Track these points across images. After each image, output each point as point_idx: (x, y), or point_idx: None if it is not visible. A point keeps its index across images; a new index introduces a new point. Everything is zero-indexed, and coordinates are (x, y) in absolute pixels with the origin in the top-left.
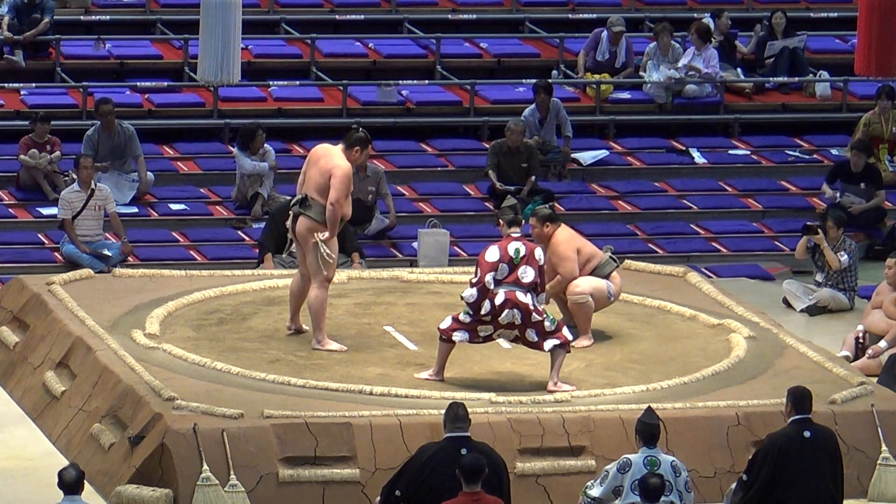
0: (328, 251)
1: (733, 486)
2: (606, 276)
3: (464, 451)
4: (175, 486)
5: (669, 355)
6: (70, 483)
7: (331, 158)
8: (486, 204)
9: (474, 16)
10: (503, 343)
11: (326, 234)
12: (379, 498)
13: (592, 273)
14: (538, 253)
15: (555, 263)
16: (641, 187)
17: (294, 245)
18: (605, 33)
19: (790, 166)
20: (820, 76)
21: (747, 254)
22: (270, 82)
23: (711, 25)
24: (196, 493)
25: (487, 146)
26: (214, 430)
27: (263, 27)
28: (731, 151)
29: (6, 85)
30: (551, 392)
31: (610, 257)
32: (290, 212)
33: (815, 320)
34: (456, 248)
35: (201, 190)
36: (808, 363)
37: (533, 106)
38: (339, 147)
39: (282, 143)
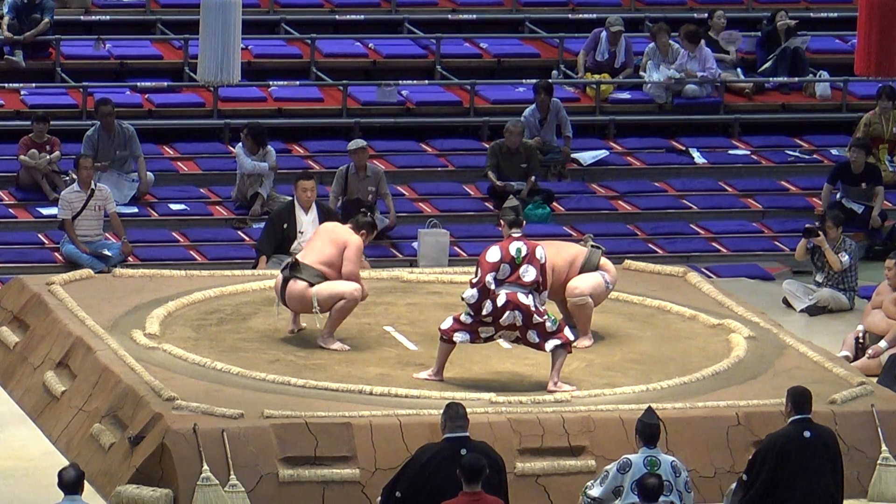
0: (316, 308)
1: (733, 486)
2: (596, 267)
3: (464, 452)
4: (175, 486)
5: (669, 355)
6: (70, 483)
7: (344, 232)
8: (486, 204)
9: (474, 16)
10: (503, 343)
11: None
12: (379, 499)
13: (582, 270)
14: (539, 252)
15: None
16: (641, 187)
17: (280, 306)
18: (604, 33)
19: (790, 166)
20: (820, 76)
21: (747, 254)
22: (270, 82)
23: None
24: (196, 493)
25: (487, 146)
26: (214, 430)
27: (263, 27)
28: (731, 151)
29: (6, 85)
30: (551, 392)
31: (592, 246)
32: (281, 275)
33: (815, 320)
34: (456, 248)
35: (201, 190)
36: (808, 363)
37: (533, 106)
38: (348, 226)
39: (282, 143)
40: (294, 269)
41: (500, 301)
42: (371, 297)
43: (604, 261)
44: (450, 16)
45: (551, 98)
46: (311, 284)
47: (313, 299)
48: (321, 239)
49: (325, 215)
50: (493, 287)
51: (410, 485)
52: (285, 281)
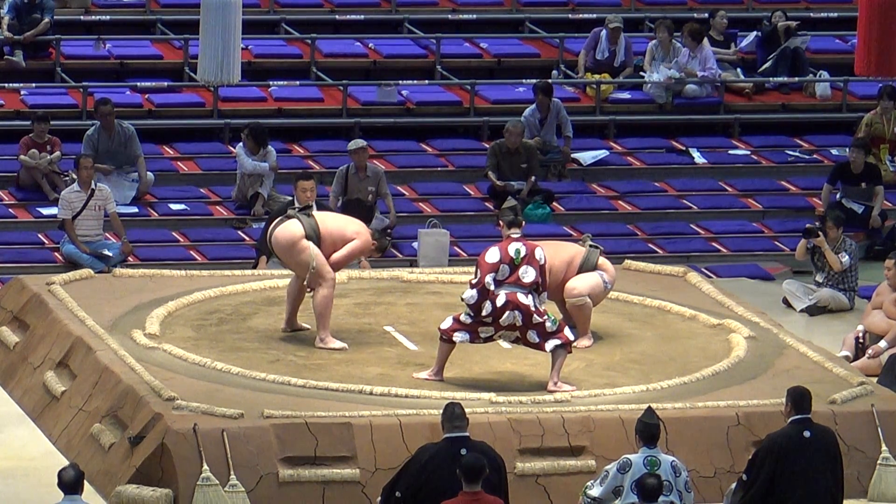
0: (314, 269)
1: (733, 486)
2: (595, 267)
3: (464, 452)
4: (175, 486)
5: (669, 355)
6: (70, 483)
7: (364, 231)
8: (486, 204)
9: (474, 16)
10: (503, 343)
11: (316, 260)
12: (379, 499)
13: (580, 270)
14: (538, 253)
15: None
16: (641, 187)
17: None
18: (603, 32)
19: (790, 166)
20: (820, 76)
21: (747, 254)
22: (270, 82)
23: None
24: (196, 493)
25: (487, 146)
26: (214, 430)
27: (263, 27)
28: (731, 151)
29: (6, 85)
30: (551, 392)
31: (590, 246)
32: (288, 212)
33: (815, 320)
34: (456, 248)
35: (201, 190)
36: (808, 363)
37: (533, 106)
38: (367, 228)
39: (282, 144)
40: (303, 212)
41: (500, 301)
42: (371, 297)
43: (602, 260)
44: (450, 16)
45: (551, 99)
46: (308, 237)
47: (312, 260)
48: (346, 219)
49: None
50: (492, 288)
51: (410, 485)
52: (287, 219)
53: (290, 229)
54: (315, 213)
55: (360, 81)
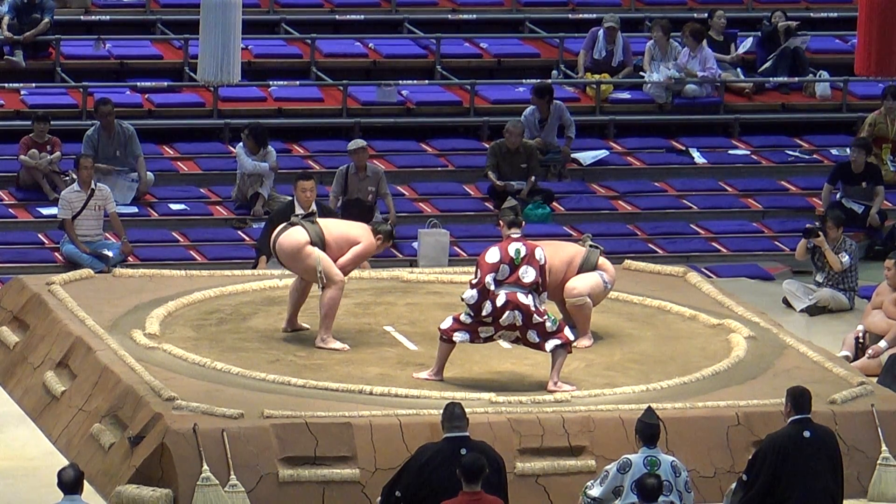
0: (322, 272)
1: (733, 486)
2: (595, 267)
3: (463, 451)
4: (175, 486)
5: (669, 355)
6: (69, 483)
7: (366, 232)
8: (486, 204)
9: (474, 16)
10: (503, 343)
11: (322, 267)
12: (379, 499)
13: (580, 270)
14: (538, 253)
15: None
16: (641, 187)
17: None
18: (601, 31)
19: (790, 166)
20: (820, 76)
21: (747, 254)
22: (270, 82)
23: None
24: (196, 493)
25: (487, 146)
26: (214, 430)
27: (263, 27)
28: (731, 151)
29: (6, 85)
30: (551, 392)
31: (590, 246)
32: (291, 219)
33: (815, 320)
34: (456, 248)
35: (201, 190)
36: (808, 363)
37: (533, 106)
38: (370, 227)
39: (282, 143)
40: (307, 218)
41: (500, 301)
42: (371, 297)
43: (602, 260)
44: (450, 16)
45: (546, 100)
46: (312, 243)
47: (318, 263)
48: (349, 223)
49: (324, 215)
50: (492, 288)
51: (410, 484)
52: (291, 226)
53: (294, 236)
54: (318, 219)
55: (360, 81)
